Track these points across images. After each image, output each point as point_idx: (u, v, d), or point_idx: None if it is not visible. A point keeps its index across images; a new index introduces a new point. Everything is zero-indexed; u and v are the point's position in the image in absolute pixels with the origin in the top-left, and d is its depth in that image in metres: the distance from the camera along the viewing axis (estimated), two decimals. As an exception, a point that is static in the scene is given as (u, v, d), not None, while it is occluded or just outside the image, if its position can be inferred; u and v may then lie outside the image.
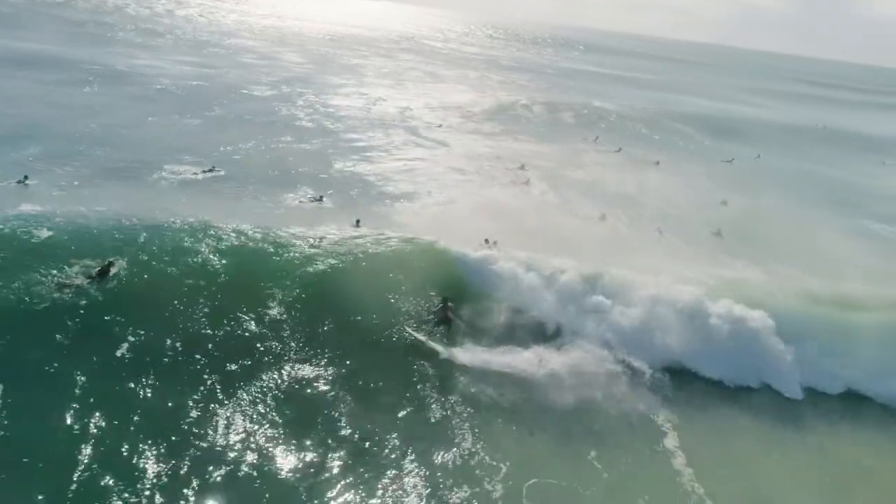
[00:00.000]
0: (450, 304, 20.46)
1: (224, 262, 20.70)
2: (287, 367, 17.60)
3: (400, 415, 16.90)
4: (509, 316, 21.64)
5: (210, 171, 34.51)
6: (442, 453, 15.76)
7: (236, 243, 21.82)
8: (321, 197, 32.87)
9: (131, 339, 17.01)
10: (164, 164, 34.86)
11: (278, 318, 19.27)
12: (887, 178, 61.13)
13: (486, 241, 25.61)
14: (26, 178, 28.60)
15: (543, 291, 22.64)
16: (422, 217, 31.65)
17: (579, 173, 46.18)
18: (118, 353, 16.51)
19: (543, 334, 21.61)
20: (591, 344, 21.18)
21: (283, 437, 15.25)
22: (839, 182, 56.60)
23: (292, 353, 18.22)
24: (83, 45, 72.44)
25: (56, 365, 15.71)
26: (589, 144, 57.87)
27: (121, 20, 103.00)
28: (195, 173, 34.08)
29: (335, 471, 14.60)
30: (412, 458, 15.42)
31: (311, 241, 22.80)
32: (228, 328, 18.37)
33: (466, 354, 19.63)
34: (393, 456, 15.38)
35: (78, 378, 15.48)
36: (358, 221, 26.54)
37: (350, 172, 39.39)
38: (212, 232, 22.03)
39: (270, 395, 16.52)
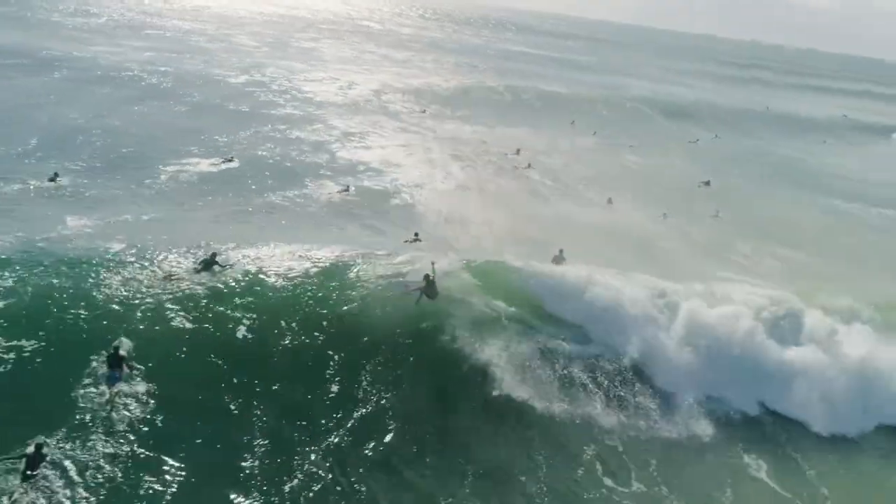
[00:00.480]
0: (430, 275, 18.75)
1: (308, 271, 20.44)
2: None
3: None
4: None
5: (229, 160, 33.98)
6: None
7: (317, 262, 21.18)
8: (348, 187, 32.97)
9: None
10: (176, 157, 34.01)
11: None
12: (832, 156, 66.15)
13: (560, 252, 23.79)
14: (56, 175, 27.37)
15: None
16: (447, 216, 31.41)
17: (568, 158, 47.80)
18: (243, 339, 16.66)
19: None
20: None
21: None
22: (793, 161, 60.86)
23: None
24: (14, 28, 67.52)
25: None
26: (566, 128, 59.61)
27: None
28: (214, 164, 33.45)
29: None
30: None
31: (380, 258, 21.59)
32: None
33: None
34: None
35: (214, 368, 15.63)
36: (417, 234, 25.62)
37: (358, 162, 39.41)
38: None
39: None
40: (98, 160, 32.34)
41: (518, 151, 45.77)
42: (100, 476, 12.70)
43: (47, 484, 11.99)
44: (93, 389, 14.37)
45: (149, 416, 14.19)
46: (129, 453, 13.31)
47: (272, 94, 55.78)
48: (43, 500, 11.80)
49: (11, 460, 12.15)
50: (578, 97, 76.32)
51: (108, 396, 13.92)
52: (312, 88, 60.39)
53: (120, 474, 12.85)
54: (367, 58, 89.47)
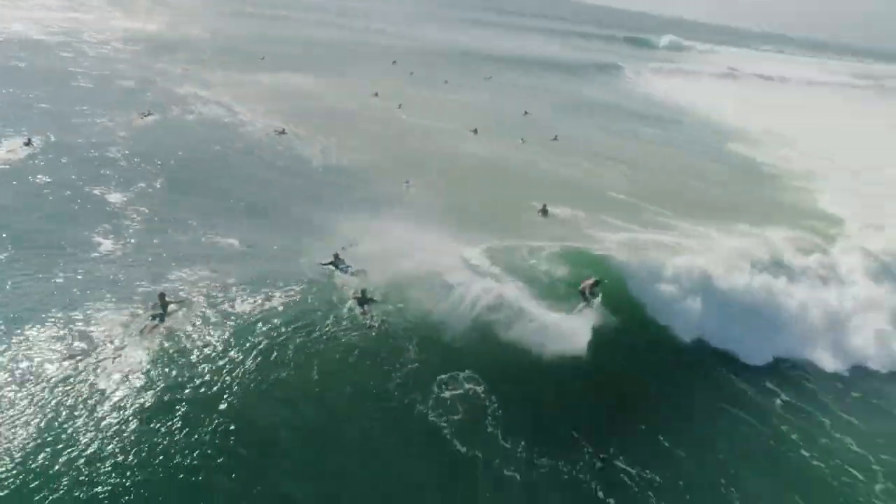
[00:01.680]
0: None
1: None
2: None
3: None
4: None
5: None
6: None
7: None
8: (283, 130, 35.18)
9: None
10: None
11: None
12: (590, 89, 79.38)
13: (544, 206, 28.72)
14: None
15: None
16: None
17: (407, 98, 52.10)
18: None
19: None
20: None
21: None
22: (572, 94, 72.18)
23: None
24: None
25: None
26: (388, 69, 63.70)
27: None
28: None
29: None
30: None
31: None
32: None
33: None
34: None
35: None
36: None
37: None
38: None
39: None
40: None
41: (377, 94, 49.16)
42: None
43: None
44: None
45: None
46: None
47: None
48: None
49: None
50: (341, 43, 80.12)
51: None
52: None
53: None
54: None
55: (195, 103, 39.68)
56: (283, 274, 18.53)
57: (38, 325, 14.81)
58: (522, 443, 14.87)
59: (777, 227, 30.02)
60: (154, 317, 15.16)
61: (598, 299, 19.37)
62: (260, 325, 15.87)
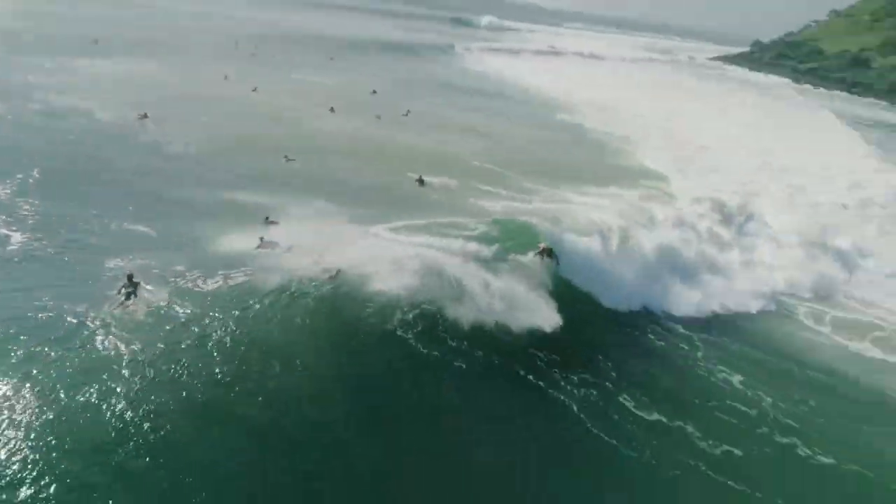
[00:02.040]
0: None
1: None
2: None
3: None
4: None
5: None
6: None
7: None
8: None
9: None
10: None
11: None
12: (430, 67, 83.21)
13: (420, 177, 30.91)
14: None
15: None
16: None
17: (259, 77, 52.24)
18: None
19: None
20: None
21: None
22: (413, 71, 75.34)
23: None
24: None
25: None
26: (232, 53, 62.68)
27: None
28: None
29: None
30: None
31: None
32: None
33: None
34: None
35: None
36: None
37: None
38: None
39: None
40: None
41: (255, 89, 48.81)
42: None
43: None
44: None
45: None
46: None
47: None
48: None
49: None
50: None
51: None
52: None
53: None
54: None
55: (35, 93, 37.40)
56: (219, 255, 19.77)
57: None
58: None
59: (621, 186, 35.20)
60: (127, 295, 15.98)
61: (555, 262, 21.56)
62: (224, 300, 17.12)
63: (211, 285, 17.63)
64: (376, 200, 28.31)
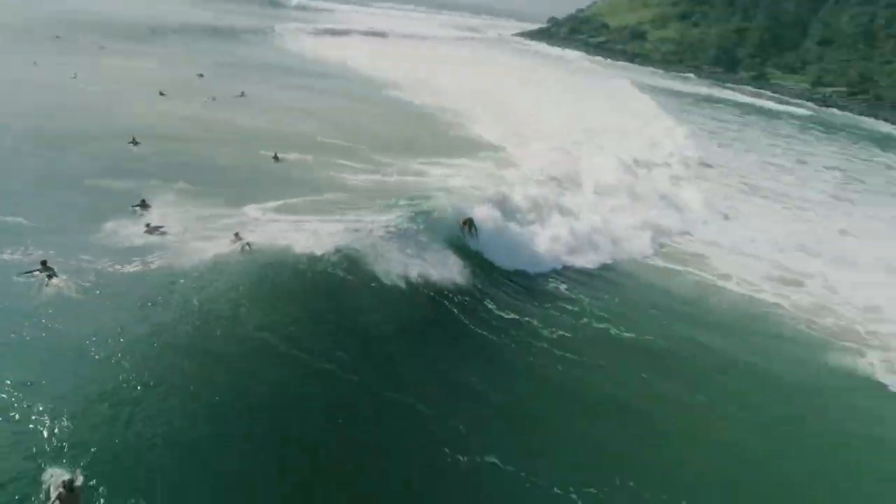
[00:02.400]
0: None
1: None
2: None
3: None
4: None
5: None
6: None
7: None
8: None
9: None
10: None
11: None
12: (251, 50, 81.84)
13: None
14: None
15: None
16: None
17: (76, 64, 49.27)
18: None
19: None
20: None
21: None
22: (238, 56, 73.80)
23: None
24: None
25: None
26: (34, 38, 57.79)
27: None
28: None
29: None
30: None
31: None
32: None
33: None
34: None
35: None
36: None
37: None
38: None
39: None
40: None
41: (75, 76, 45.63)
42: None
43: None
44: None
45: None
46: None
47: None
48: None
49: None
50: None
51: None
52: None
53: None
54: None
55: None
56: (112, 242, 20.45)
57: None
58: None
59: (469, 157, 38.94)
60: (49, 276, 16.80)
61: (475, 232, 25.50)
62: (146, 282, 18.02)
63: (125, 269, 18.48)
64: (238, 180, 29.47)
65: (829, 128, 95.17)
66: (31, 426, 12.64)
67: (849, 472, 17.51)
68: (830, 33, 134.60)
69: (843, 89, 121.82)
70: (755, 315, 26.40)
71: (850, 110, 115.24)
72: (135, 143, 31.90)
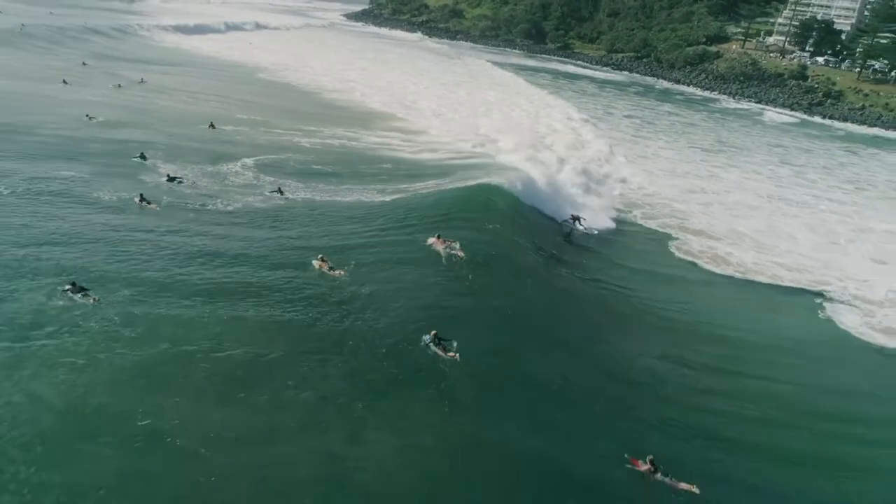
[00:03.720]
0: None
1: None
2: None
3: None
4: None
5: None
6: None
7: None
8: None
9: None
10: None
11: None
12: (123, 43, 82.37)
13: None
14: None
15: None
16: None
17: None
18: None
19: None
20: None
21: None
22: (109, 43, 74.81)
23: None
24: None
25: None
26: None
27: None
28: None
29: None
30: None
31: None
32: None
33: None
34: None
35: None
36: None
37: None
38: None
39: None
40: None
41: None
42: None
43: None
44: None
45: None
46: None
47: None
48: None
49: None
50: None
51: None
52: None
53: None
54: None
55: None
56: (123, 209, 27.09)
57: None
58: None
59: (380, 127, 47.71)
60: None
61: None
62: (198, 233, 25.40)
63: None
64: (201, 143, 36.31)
65: (621, 86, 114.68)
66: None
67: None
68: (617, 6, 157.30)
69: (632, 54, 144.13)
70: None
71: (639, 71, 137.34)
72: (88, 118, 38.19)
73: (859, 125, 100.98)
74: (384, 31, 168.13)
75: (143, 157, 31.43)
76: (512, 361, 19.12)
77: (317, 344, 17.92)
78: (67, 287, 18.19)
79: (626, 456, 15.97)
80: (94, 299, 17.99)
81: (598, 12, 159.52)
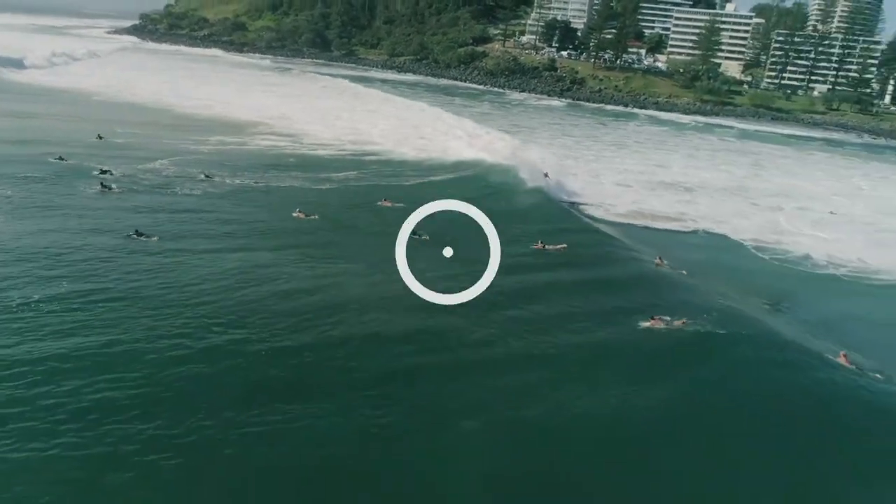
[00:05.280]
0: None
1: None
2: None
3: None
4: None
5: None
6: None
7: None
8: None
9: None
10: None
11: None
12: None
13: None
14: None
15: None
16: None
17: None
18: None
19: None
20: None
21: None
22: None
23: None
24: None
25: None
26: None
27: None
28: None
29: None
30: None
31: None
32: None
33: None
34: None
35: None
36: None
37: None
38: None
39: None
40: None
41: None
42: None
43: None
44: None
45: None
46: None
47: None
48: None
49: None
50: None
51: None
52: None
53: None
54: None
55: None
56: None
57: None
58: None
59: (264, 135, 55.92)
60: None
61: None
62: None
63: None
64: (100, 150, 42.57)
65: (412, 85, 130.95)
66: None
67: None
68: (391, 14, 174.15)
69: (412, 57, 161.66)
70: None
71: (421, 72, 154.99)
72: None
73: (601, 104, 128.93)
74: (184, 48, 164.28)
75: (61, 158, 37.07)
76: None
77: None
78: None
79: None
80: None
81: (375, 20, 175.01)
